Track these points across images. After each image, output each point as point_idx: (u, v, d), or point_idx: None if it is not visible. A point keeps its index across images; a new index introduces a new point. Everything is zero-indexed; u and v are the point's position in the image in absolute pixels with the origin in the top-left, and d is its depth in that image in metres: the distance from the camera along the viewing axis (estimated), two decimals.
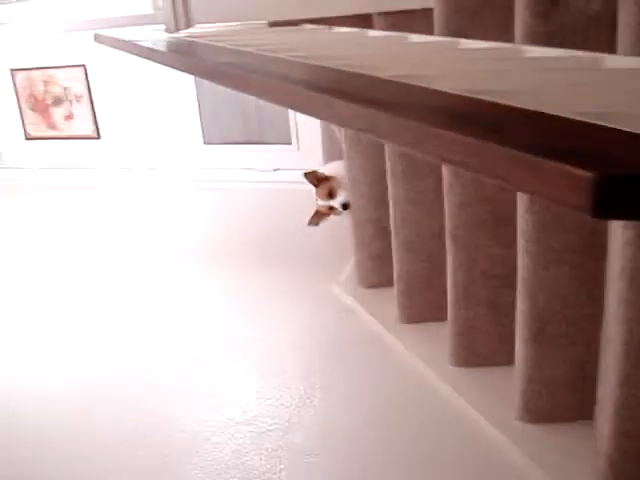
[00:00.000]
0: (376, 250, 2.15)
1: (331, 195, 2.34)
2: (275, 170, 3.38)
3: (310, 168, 2.45)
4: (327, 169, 2.44)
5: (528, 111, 0.57)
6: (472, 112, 0.60)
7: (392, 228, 1.91)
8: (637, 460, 1.27)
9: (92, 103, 3.66)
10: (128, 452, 1.64)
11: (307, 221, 2.43)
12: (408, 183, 1.80)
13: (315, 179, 2.37)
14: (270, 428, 1.67)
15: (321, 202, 2.38)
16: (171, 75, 3.15)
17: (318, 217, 2.43)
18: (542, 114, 0.56)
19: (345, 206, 2.31)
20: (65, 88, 3.69)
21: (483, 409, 1.62)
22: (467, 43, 1.07)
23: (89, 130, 3.72)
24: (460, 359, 1.76)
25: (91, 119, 3.69)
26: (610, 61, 0.82)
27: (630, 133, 0.50)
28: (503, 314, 1.66)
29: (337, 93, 0.68)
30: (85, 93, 3.65)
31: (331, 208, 2.37)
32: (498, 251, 1.61)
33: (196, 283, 2.48)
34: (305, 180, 2.38)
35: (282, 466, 1.55)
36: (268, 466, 1.55)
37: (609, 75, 0.79)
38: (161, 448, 1.64)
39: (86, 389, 1.90)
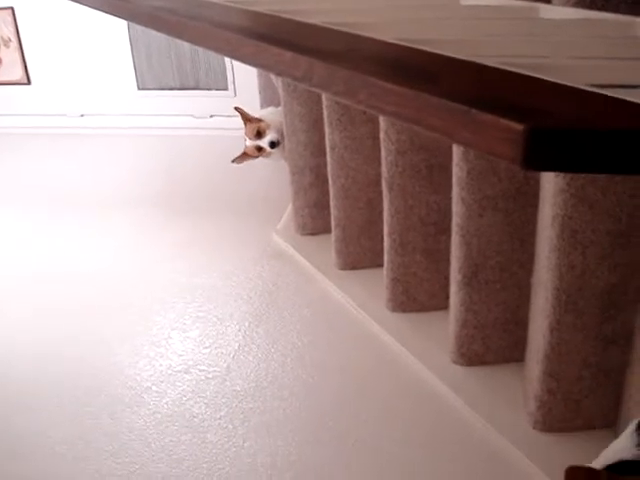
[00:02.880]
0: (314, 197, 2.15)
1: (259, 135, 2.34)
2: (211, 116, 3.33)
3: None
4: (261, 114, 2.43)
5: (463, 61, 0.57)
6: (407, 62, 0.60)
7: (329, 175, 1.91)
8: (565, 401, 1.32)
9: (21, 47, 3.53)
10: (69, 401, 1.64)
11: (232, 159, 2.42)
12: (345, 130, 1.79)
13: (244, 115, 2.36)
14: (210, 376, 1.68)
15: (249, 142, 2.37)
16: (103, 18, 3.05)
17: (244, 157, 2.42)
18: (476, 65, 0.56)
19: (273, 144, 2.31)
20: None
21: (419, 353, 1.65)
22: None
23: (18, 75, 3.59)
24: (397, 304, 1.78)
25: (20, 64, 3.56)
26: (545, 11, 0.82)
27: (561, 85, 0.50)
28: (438, 260, 1.69)
29: (271, 40, 0.67)
30: (14, 37, 3.51)
31: (259, 149, 2.36)
32: (434, 198, 1.63)
33: (132, 232, 2.45)
34: (238, 115, 2.37)
35: (222, 413, 1.56)
36: (208, 413, 1.57)
37: (544, 25, 0.80)
38: (102, 397, 1.64)
39: (30, 339, 1.88)
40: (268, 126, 2.33)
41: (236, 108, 2.36)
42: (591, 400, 1.33)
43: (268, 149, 2.33)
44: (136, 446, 1.49)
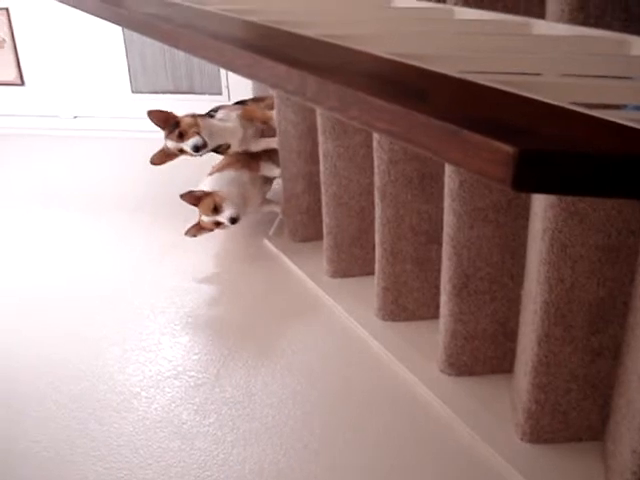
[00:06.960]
0: (306, 204, 2.15)
1: (217, 210, 2.14)
2: None
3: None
4: (206, 185, 2.25)
5: (454, 79, 0.57)
6: (399, 78, 0.60)
7: (322, 183, 1.91)
8: (552, 413, 1.33)
9: (16, 48, 3.52)
10: (58, 405, 1.63)
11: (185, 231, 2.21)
12: (338, 138, 1.80)
13: (193, 199, 2.16)
14: (199, 382, 1.68)
15: (206, 218, 2.16)
16: (98, 21, 3.05)
17: (198, 229, 2.20)
18: (468, 82, 0.56)
19: (234, 220, 2.12)
20: None
21: (408, 362, 1.65)
22: (399, 1, 1.07)
23: (12, 76, 3.58)
24: (387, 313, 1.79)
25: (15, 65, 3.56)
26: (538, 27, 0.83)
27: (553, 105, 0.50)
28: (429, 270, 1.69)
29: (266, 53, 0.67)
30: (8, 38, 3.51)
31: (217, 223, 2.16)
32: (425, 208, 1.63)
33: (122, 235, 2.45)
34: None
35: (211, 419, 1.56)
36: (197, 419, 1.56)
37: (537, 42, 0.80)
38: (91, 402, 1.64)
39: (17, 343, 1.87)
40: (223, 199, 2.15)
41: (181, 197, 2.15)
42: (578, 412, 1.33)
43: (229, 225, 2.15)
44: (124, 452, 1.49)
